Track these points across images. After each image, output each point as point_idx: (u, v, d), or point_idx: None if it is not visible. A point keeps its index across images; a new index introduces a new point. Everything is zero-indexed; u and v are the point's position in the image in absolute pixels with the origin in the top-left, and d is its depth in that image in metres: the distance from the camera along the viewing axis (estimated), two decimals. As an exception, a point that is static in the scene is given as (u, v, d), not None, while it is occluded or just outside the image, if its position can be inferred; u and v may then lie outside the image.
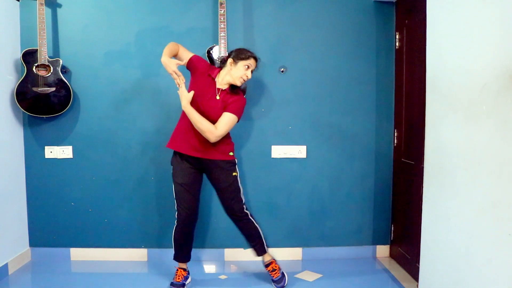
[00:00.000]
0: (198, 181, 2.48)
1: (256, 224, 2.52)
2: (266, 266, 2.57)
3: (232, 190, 2.45)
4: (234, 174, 2.45)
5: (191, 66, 2.40)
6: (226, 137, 2.43)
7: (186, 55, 2.40)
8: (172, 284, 2.51)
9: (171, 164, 2.49)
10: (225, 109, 2.33)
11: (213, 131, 2.28)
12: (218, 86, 2.38)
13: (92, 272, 2.79)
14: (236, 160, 2.49)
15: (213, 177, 2.46)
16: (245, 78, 2.37)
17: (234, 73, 2.35)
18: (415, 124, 2.58)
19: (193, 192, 2.45)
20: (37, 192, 2.93)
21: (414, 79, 2.61)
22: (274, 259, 2.58)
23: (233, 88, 2.40)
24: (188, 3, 2.85)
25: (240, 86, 2.41)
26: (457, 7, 1.81)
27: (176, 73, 2.23)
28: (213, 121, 2.32)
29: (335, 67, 2.91)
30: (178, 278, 2.52)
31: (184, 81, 2.29)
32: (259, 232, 2.53)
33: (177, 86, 2.29)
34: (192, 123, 2.31)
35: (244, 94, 2.57)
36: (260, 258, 2.61)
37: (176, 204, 2.45)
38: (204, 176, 2.54)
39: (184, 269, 2.57)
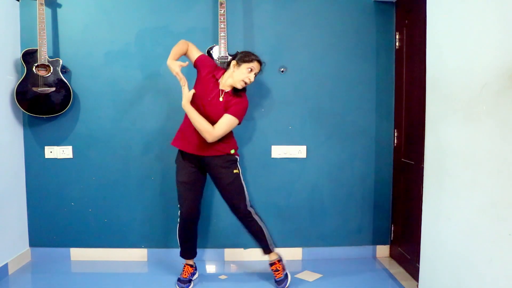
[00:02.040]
0: (200, 180, 2.49)
1: (260, 223, 2.53)
2: (270, 265, 2.58)
3: (234, 188, 2.45)
4: (235, 171, 2.45)
5: (198, 65, 2.43)
6: (228, 136, 2.43)
7: (195, 53, 2.44)
8: (179, 280, 2.53)
9: (175, 163, 2.51)
10: (226, 110, 2.34)
11: (211, 131, 2.29)
12: (221, 87, 2.39)
13: (92, 272, 2.79)
14: (237, 157, 2.49)
15: (215, 176, 2.47)
16: (247, 81, 2.36)
17: (236, 76, 2.35)
18: (415, 124, 2.58)
19: (195, 190, 2.46)
20: (37, 192, 2.93)
21: (414, 79, 2.61)
22: (279, 259, 2.58)
23: (236, 90, 2.40)
24: (188, 3, 2.85)
25: (242, 89, 2.40)
26: (457, 7, 1.81)
27: (179, 75, 2.27)
28: (214, 121, 2.33)
29: (335, 67, 2.91)
30: (185, 274, 2.55)
31: (186, 82, 2.30)
32: (263, 231, 2.53)
33: (181, 86, 2.31)
34: (192, 122, 2.32)
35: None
36: (266, 257, 2.60)
37: (178, 202, 2.46)
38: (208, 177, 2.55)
39: (191, 265, 2.60)
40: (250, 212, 2.50)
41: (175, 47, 2.35)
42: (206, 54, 2.76)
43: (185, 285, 2.51)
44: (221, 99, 2.36)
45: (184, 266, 2.59)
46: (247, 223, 2.52)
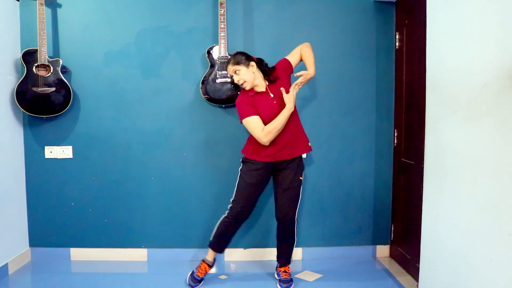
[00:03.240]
0: (266, 183, 2.52)
1: (295, 237, 2.57)
2: (280, 266, 2.60)
3: (294, 194, 2.46)
4: (301, 178, 2.47)
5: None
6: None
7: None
8: (192, 276, 2.53)
9: (244, 162, 2.49)
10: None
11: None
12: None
13: (92, 272, 2.79)
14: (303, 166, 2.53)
15: (283, 177, 2.45)
16: (240, 83, 2.38)
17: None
18: (415, 124, 2.58)
19: (256, 191, 2.49)
20: (37, 192, 2.93)
21: (414, 79, 2.61)
22: (289, 266, 2.62)
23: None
24: (188, 3, 2.85)
25: (245, 88, 2.41)
26: (457, 7, 1.81)
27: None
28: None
29: (335, 67, 2.91)
30: (201, 273, 2.55)
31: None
32: (294, 244, 2.58)
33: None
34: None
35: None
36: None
37: (233, 197, 2.48)
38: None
39: (209, 264, 2.58)
40: (295, 222, 2.52)
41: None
42: (206, 55, 2.77)
43: (195, 284, 2.52)
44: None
45: (202, 263, 2.58)
46: (288, 231, 2.53)
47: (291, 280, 2.55)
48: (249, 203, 2.47)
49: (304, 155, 2.57)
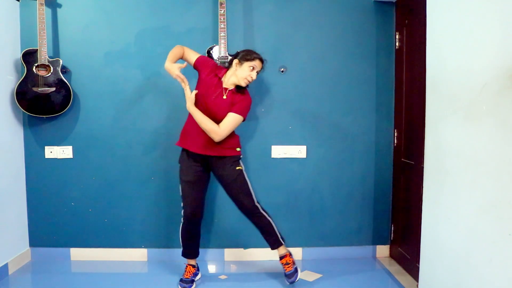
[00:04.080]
0: (203, 179, 2.50)
1: (269, 218, 2.53)
2: (280, 258, 2.57)
3: (239, 185, 2.46)
4: (238, 168, 2.46)
5: (198, 66, 2.44)
6: (232, 135, 2.46)
7: (193, 56, 2.45)
8: (181, 280, 2.53)
9: (179, 162, 2.51)
10: (231, 108, 2.35)
11: (217, 131, 2.30)
12: (224, 85, 2.41)
13: (92, 272, 2.79)
14: (241, 155, 2.51)
15: (219, 173, 2.47)
16: (249, 79, 2.38)
17: (239, 74, 2.37)
18: (415, 124, 2.58)
19: (198, 189, 2.47)
20: (37, 192, 2.93)
21: (414, 79, 2.61)
22: (289, 253, 2.57)
23: (239, 88, 2.42)
24: (188, 3, 2.85)
25: (246, 86, 2.42)
26: (457, 7, 1.81)
27: (179, 77, 2.28)
28: (219, 120, 2.34)
29: (335, 67, 2.91)
30: (187, 275, 2.55)
31: (187, 83, 2.31)
32: (272, 226, 2.53)
33: (183, 88, 2.32)
34: (197, 123, 2.33)
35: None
36: (274, 253, 2.59)
37: (182, 202, 2.47)
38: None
39: (193, 266, 2.59)
40: (257, 207, 2.50)
41: (170, 52, 2.36)
42: (206, 55, 2.77)
43: (188, 285, 2.50)
44: (225, 97, 2.38)
45: (186, 266, 2.59)
46: (256, 219, 2.51)
47: (295, 270, 2.52)
48: (193, 202, 2.45)
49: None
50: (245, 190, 2.47)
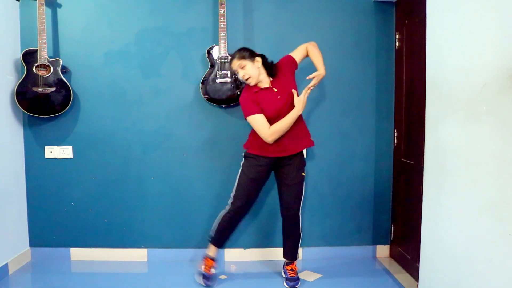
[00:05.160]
0: (267, 178, 2.54)
1: (301, 232, 2.58)
2: (287, 264, 2.61)
3: (298, 189, 2.49)
4: (303, 174, 2.50)
5: None
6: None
7: None
8: (203, 276, 2.53)
9: (246, 157, 2.50)
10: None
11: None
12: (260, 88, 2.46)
13: (92, 272, 2.79)
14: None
15: (286, 173, 2.48)
16: (244, 81, 2.42)
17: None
18: (415, 124, 2.58)
19: (258, 187, 2.51)
20: (37, 192, 2.93)
21: (414, 79, 2.61)
22: (296, 262, 2.63)
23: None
24: (188, 3, 2.85)
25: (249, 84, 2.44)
26: (457, 7, 1.81)
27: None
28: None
29: (335, 67, 2.91)
30: (207, 269, 2.56)
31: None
32: (300, 240, 2.59)
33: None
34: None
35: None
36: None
37: (233, 192, 2.49)
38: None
39: (212, 258, 2.59)
40: (299, 216, 2.53)
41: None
42: (206, 55, 2.77)
43: (212, 283, 2.53)
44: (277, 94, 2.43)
45: (205, 258, 2.59)
46: (293, 226, 2.54)
47: (298, 278, 2.55)
48: (250, 198, 2.48)
49: (304, 153, 2.58)
50: (300, 196, 2.51)
